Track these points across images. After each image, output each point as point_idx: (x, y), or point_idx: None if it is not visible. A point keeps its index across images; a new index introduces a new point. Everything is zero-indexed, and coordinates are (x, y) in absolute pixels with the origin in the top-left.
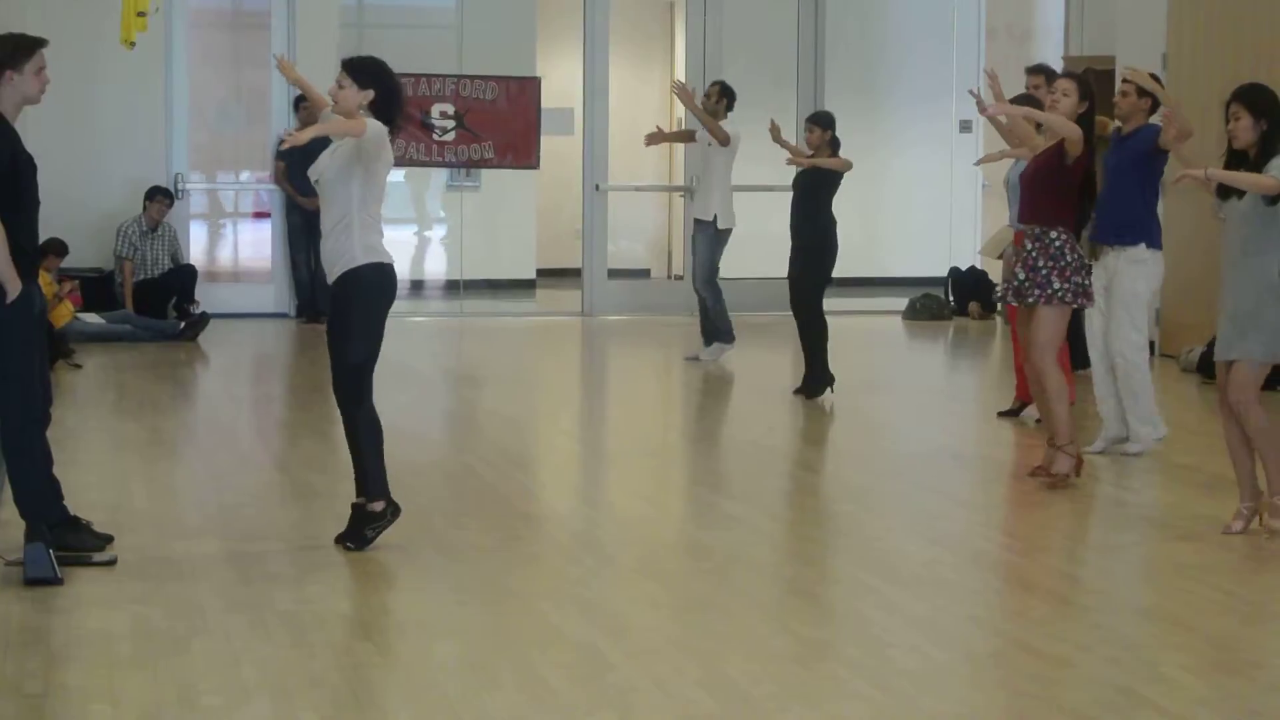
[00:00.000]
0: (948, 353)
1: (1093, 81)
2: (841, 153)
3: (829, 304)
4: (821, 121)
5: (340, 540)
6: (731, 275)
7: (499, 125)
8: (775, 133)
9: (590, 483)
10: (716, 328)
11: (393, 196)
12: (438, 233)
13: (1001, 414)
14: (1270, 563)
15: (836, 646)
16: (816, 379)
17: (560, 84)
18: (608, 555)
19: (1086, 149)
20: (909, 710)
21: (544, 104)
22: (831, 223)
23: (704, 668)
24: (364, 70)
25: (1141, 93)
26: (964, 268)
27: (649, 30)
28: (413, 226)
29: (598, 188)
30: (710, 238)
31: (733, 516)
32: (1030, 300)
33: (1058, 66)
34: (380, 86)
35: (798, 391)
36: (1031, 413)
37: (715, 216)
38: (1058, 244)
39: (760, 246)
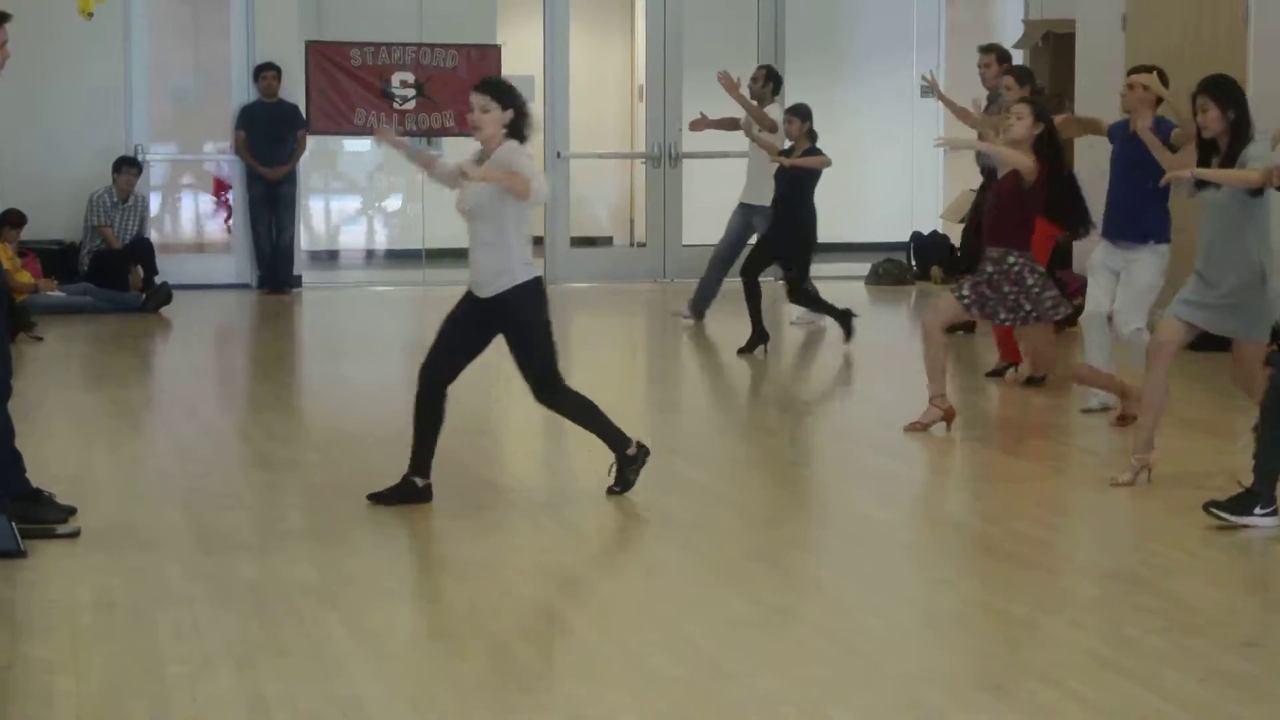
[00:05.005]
0: (910, 317)
1: (1046, 103)
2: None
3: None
4: (800, 113)
5: (609, 490)
6: (695, 242)
7: (459, 94)
8: (726, 81)
9: (554, 450)
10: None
11: (353, 166)
12: (399, 202)
13: (989, 374)
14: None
15: (801, 611)
16: (758, 336)
17: (521, 52)
18: (571, 522)
19: (1044, 173)
20: (874, 674)
21: (505, 72)
22: (811, 216)
23: (669, 634)
24: (501, 90)
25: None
26: (926, 232)
27: None
28: (374, 196)
29: (559, 155)
30: (766, 222)
31: (696, 482)
32: (1004, 320)
33: (1018, 30)
34: (517, 105)
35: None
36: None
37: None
38: (1016, 268)
39: (719, 216)
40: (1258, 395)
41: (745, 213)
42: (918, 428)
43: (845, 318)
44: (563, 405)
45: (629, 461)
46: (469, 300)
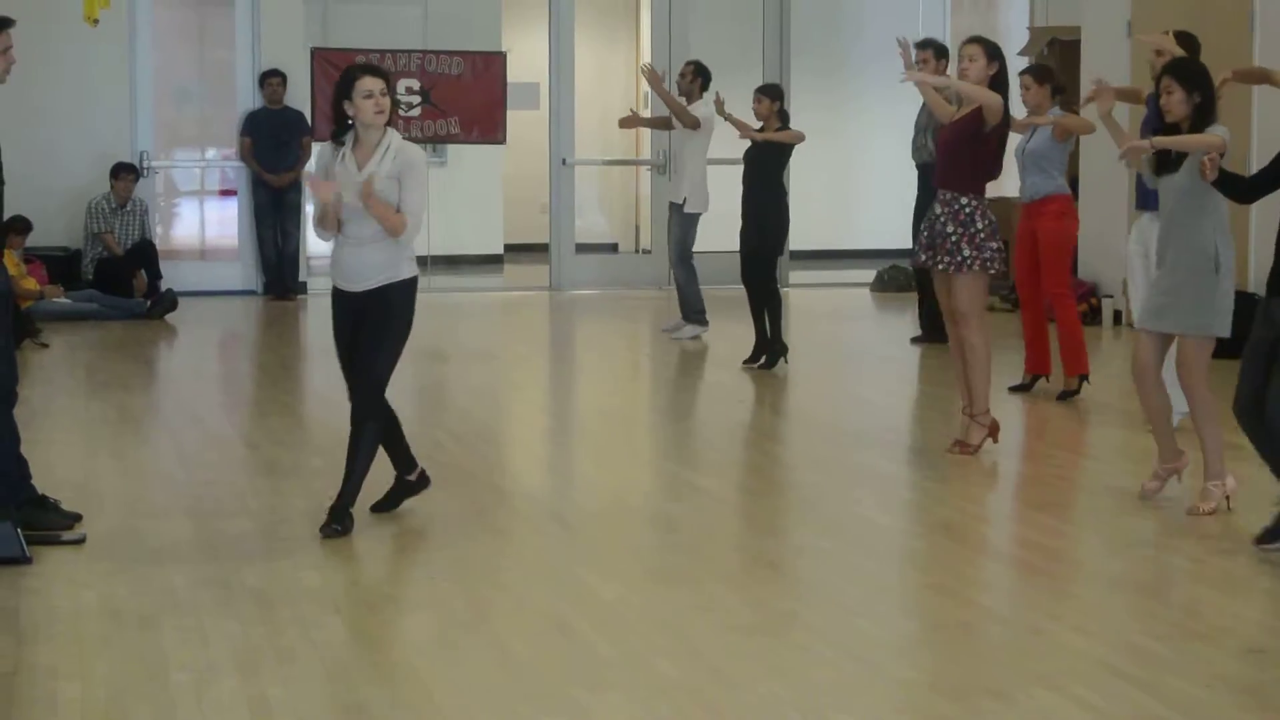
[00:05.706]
0: (915, 324)
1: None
2: (806, 127)
3: (797, 276)
4: (770, 93)
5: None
6: (699, 249)
7: (465, 100)
8: (720, 107)
9: (559, 456)
10: (690, 308)
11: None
12: None
13: (1013, 389)
14: (1237, 531)
15: (805, 617)
16: (775, 351)
17: (526, 58)
18: (576, 528)
19: (1005, 115)
20: (878, 679)
21: (510, 79)
22: (782, 194)
23: (673, 640)
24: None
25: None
26: None
27: (615, 2)
28: None
29: (565, 162)
30: (681, 220)
31: (700, 489)
32: (941, 266)
33: (1024, 37)
34: (394, 95)
35: (756, 364)
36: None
37: (685, 199)
38: (968, 210)
39: (722, 221)
40: (1198, 407)
41: (670, 210)
42: (967, 450)
43: (777, 351)
44: (375, 418)
45: (405, 488)
46: (343, 306)
